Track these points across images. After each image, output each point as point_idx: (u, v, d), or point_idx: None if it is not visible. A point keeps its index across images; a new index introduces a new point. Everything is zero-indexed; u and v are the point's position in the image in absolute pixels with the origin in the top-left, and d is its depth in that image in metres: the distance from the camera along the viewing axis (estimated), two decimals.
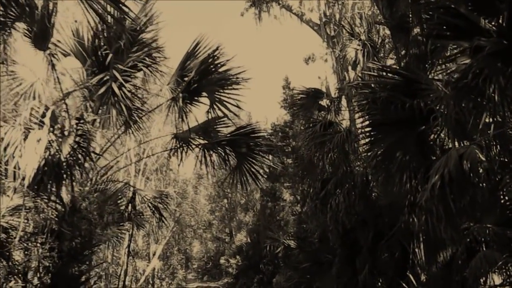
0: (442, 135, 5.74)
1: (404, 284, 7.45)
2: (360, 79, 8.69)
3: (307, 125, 9.47)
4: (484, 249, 5.82)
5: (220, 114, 6.18)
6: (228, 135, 6.49)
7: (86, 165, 6.14)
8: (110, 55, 4.97)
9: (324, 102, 10.12)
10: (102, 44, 5.31)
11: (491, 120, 5.78)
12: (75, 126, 4.77)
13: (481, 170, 4.61)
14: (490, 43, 3.59)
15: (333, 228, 9.06)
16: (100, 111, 5.73)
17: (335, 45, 13.34)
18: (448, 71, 4.32)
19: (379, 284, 8.61)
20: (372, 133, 5.74)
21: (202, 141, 6.77)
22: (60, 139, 4.59)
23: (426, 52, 6.26)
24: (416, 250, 7.53)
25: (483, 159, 4.51)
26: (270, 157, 19.07)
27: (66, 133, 4.76)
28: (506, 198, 5.88)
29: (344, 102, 11.00)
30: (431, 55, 5.74)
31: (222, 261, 25.29)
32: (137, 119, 6.97)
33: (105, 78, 4.97)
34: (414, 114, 5.23)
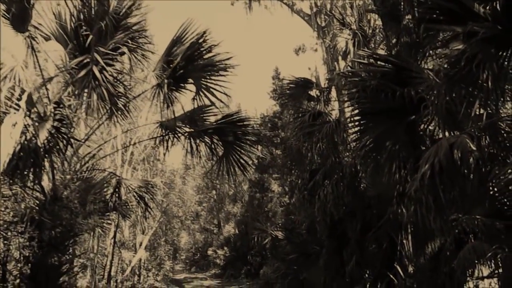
0: (432, 125, 5.64)
1: (391, 276, 7.40)
2: (350, 68, 8.57)
3: (296, 115, 9.34)
4: (473, 240, 5.77)
5: (206, 101, 6.01)
6: (215, 123, 6.33)
7: (68, 153, 5.97)
8: (91, 36, 4.76)
9: (314, 92, 9.99)
10: (84, 26, 5.10)
11: (481, 110, 5.75)
12: (52, 110, 4.58)
13: (471, 160, 4.51)
14: (484, 28, 3.47)
15: (321, 219, 8.98)
16: (84, 97, 5.52)
17: (326, 35, 13.19)
18: (441, 56, 4.18)
19: (366, 275, 8.56)
20: (361, 122, 5.62)
21: (188, 130, 6.61)
22: (37, 124, 4.40)
23: (417, 41, 6.16)
24: (404, 241, 7.48)
25: (474, 148, 4.42)
26: (259, 147, 18.97)
27: (44, 118, 4.56)
28: (495, 189, 5.82)
29: (334, 93, 10.91)
30: (423, 42, 5.61)
31: (210, 252, 25.22)
32: (122, 106, 6.79)
33: (85, 61, 4.77)
34: (404, 102, 5.12)
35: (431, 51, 6.27)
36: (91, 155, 6.59)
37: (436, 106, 4.95)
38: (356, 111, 5.56)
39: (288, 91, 9.91)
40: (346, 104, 9.94)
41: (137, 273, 16.07)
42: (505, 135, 5.78)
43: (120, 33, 5.24)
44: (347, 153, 8.77)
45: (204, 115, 6.75)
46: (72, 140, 5.71)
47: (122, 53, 5.30)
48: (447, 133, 5.40)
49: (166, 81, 5.71)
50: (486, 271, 5.96)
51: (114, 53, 4.95)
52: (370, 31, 8.66)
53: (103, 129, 12.78)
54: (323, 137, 8.23)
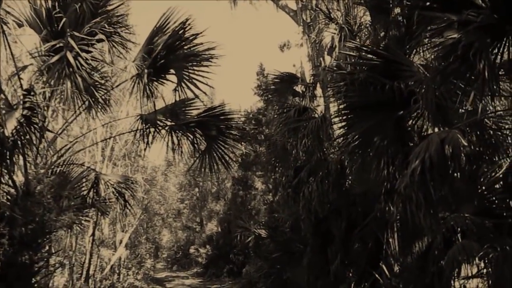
0: (420, 121, 5.48)
1: (376, 275, 7.26)
2: (336, 63, 8.40)
3: (281, 111, 9.15)
4: (460, 239, 5.65)
5: (189, 93, 5.75)
6: (197, 117, 6.08)
7: (43, 146, 5.67)
8: (64, 19, 4.47)
9: (299, 88, 9.82)
10: (58, 11, 4.79)
11: (469, 107, 5.62)
12: (22, 98, 4.28)
13: (462, 156, 4.36)
14: (480, 16, 3.30)
15: (305, 217, 8.81)
16: (58, 85, 5.21)
17: (311, 31, 13.00)
18: (434, 47, 4.00)
19: (351, 274, 8.41)
20: (349, 117, 5.45)
21: (169, 123, 6.35)
22: (4, 112, 4.10)
23: (406, 34, 6.01)
24: (390, 240, 7.35)
25: (466, 144, 4.27)
26: (243, 144, 18.74)
27: (13, 106, 4.27)
28: (483, 187, 5.70)
29: (319, 90, 10.73)
30: (416, 29, 5.46)
31: (192, 250, 24.90)
32: (100, 98, 6.51)
33: (58, 45, 4.48)
34: (394, 96, 4.96)
35: (421, 44, 6.18)
36: (66, 148, 6.30)
37: (426, 100, 4.80)
38: (344, 105, 5.37)
39: (273, 86, 9.72)
40: (331, 100, 9.79)
41: (117, 271, 15.70)
42: (491, 132, 5.69)
43: (98, 18, 4.94)
44: (333, 150, 8.61)
45: (187, 108, 6.49)
46: (46, 132, 5.41)
47: (100, 40, 5.02)
48: (436, 129, 5.27)
49: (146, 71, 5.44)
50: (472, 270, 5.86)
51: (90, 38, 4.65)
52: (357, 25, 8.49)
53: (83, 123, 12.46)
54: (309, 133, 8.06)
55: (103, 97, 7.36)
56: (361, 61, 5.61)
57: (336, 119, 5.77)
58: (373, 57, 5.40)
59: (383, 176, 5.36)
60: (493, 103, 6.03)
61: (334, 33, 9.12)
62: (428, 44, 5.82)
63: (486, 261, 4.99)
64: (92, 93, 5.94)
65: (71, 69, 4.42)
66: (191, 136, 6.09)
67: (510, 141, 6.02)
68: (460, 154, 4.22)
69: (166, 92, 6.24)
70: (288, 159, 9.46)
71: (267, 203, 16.13)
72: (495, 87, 3.73)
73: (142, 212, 16.30)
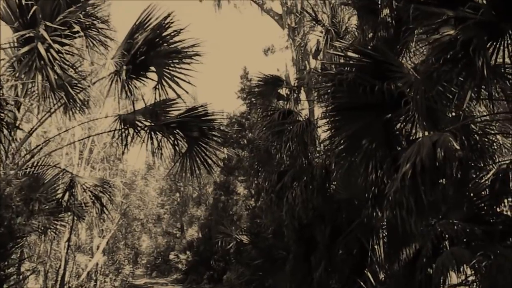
0: (409, 124, 5.32)
1: (361, 283, 7.07)
2: (323, 65, 8.24)
3: (265, 114, 8.92)
4: (448, 246, 5.50)
5: (170, 92, 5.48)
6: (178, 117, 5.82)
7: (13, 145, 5.34)
8: (35, 7, 4.16)
9: (283, 91, 9.62)
10: (31, 3, 4.48)
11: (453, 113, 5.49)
12: None
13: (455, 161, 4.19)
14: (478, 12, 3.14)
15: (289, 223, 8.59)
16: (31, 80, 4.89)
17: (296, 35, 12.87)
18: (430, 41, 3.83)
19: (335, 282, 8.20)
20: (336, 119, 5.25)
21: (149, 124, 6.07)
22: None
23: (395, 36, 5.87)
24: (376, 247, 7.19)
25: (458, 147, 4.11)
26: (225, 149, 18.46)
27: None
28: (471, 194, 5.57)
29: (304, 94, 10.57)
30: (403, 35, 5.32)
31: (171, 256, 24.43)
32: (76, 96, 6.21)
33: (28, 35, 4.17)
34: (383, 98, 4.79)
35: (410, 46, 6.05)
36: (39, 149, 5.97)
37: (416, 103, 4.64)
38: (331, 106, 5.17)
39: (256, 89, 9.49)
40: (317, 103, 9.63)
41: (94, 278, 15.23)
42: (477, 137, 5.57)
43: (73, 8, 4.64)
44: (318, 154, 8.42)
45: (168, 108, 6.22)
46: (16, 130, 5.09)
47: (75, 33, 4.72)
48: (426, 133, 5.12)
49: (124, 67, 5.16)
50: (458, 278, 5.71)
51: (63, 28, 4.35)
52: (343, 29, 8.34)
53: (61, 125, 12.07)
54: (293, 136, 7.85)
55: (80, 96, 7.09)
56: (349, 61, 5.43)
57: (322, 122, 5.59)
58: (362, 57, 5.23)
59: (371, 181, 5.17)
60: (478, 108, 5.94)
61: (320, 36, 8.97)
62: (419, 44, 5.73)
63: (475, 269, 4.83)
64: (67, 91, 5.62)
65: (42, 62, 4.12)
66: (172, 138, 5.82)
67: (496, 147, 5.93)
68: (453, 158, 4.05)
69: (147, 92, 5.94)
70: (271, 163, 9.25)
71: (249, 208, 15.87)
72: (493, 87, 3.56)
73: (120, 217, 15.87)
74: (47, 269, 12.51)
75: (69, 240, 10.92)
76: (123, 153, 6.06)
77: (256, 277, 10.55)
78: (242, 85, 18.09)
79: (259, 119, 9.38)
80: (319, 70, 7.54)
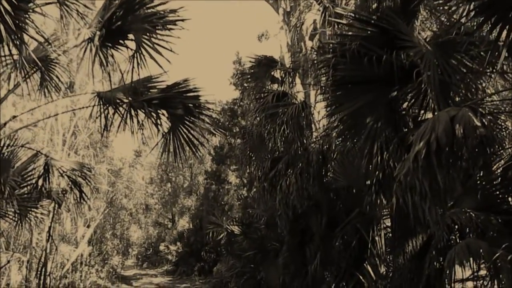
0: (418, 102, 4.77)
1: (360, 277, 6.55)
2: (320, 44, 7.66)
3: (258, 96, 8.34)
4: (458, 237, 4.98)
5: (150, 64, 4.85)
6: (160, 93, 5.21)
7: None
8: None
9: (278, 74, 9.03)
10: None
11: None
12: None
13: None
14: None
15: (282, 213, 8.02)
16: None
17: (291, 17, 12.24)
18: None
19: (331, 276, 7.68)
20: (337, 94, 4.66)
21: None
22: None
23: (402, 6, 5.29)
24: (376, 238, 6.67)
25: (479, 124, 3.55)
26: (217, 137, 17.86)
27: None
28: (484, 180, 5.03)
29: (298, 80, 9.99)
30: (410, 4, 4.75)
31: (162, 247, 23.89)
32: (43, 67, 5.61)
33: None
34: (392, 69, 4.22)
35: (418, 17, 5.47)
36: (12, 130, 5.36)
37: (428, 76, 4.09)
38: (332, 80, 4.58)
39: (250, 70, 8.89)
40: (313, 87, 9.06)
41: (80, 269, 14.65)
42: (490, 117, 5.03)
43: None
44: (314, 139, 7.86)
45: (150, 85, 5.61)
46: None
47: None
48: (430, 115, 4.60)
49: (98, 33, 4.55)
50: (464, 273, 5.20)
51: None
52: (343, 3, 7.74)
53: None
54: (288, 119, 7.29)
55: (55, 71, 6.50)
56: (352, 31, 4.86)
57: (320, 103, 5.01)
58: (366, 26, 4.65)
59: (375, 164, 4.62)
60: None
61: (317, 15, 8.39)
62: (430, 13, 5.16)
63: (492, 263, 4.31)
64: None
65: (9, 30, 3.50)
66: (154, 115, 5.22)
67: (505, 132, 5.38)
68: (473, 136, 3.50)
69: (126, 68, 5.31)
70: (264, 149, 8.67)
71: (241, 198, 15.31)
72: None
73: (106, 206, 15.24)
74: (30, 259, 11.91)
75: (50, 229, 10.29)
76: (102, 134, 5.44)
77: (247, 269, 10.05)
78: (235, 70, 17.43)
79: (252, 100, 8.77)
80: (319, 46, 6.94)
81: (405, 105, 5.02)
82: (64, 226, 14.01)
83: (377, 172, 4.66)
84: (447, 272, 4.37)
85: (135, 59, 4.63)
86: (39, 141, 12.74)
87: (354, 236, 6.92)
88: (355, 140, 4.77)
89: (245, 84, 11.37)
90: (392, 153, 4.46)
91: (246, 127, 9.44)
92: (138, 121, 5.20)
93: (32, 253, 13.13)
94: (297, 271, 8.18)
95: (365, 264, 6.52)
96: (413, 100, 4.79)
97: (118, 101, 5.59)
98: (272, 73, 8.94)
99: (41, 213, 8.24)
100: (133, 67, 4.63)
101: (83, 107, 5.69)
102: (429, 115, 4.90)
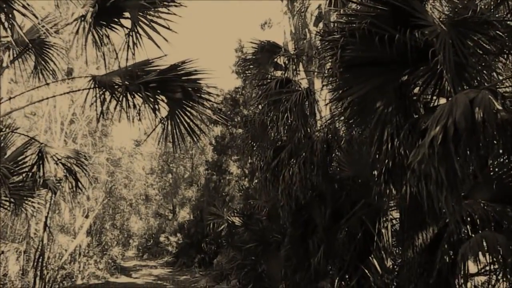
0: (432, 84, 4.49)
1: (365, 270, 6.30)
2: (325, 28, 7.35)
3: (261, 82, 8.06)
4: (470, 230, 4.72)
5: (147, 44, 4.58)
6: (158, 76, 4.93)
7: None
8: None
9: (281, 60, 8.73)
10: None
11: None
12: None
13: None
14: None
15: (285, 204, 7.74)
16: None
17: (295, 2, 11.91)
18: None
19: (335, 269, 7.43)
20: (345, 76, 4.37)
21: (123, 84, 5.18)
22: None
23: None
24: (383, 230, 6.41)
25: (500, 108, 3.27)
26: (218, 128, 17.56)
27: None
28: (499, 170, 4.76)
29: (302, 70, 9.69)
30: None
31: (162, 238, 23.70)
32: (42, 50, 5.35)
33: None
34: (405, 50, 3.93)
35: None
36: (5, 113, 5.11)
37: (444, 57, 3.81)
38: (340, 62, 4.28)
39: (252, 56, 8.58)
40: (317, 75, 8.78)
41: (78, 260, 14.46)
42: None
43: None
44: (319, 127, 7.58)
45: (148, 68, 5.33)
46: None
47: None
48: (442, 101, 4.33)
49: (91, 9, 4.27)
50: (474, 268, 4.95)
51: None
52: None
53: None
54: (292, 106, 7.00)
55: (49, 55, 6.25)
56: (360, 11, 4.56)
57: (331, 78, 4.70)
58: (377, 4, 4.35)
59: (384, 152, 4.35)
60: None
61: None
62: None
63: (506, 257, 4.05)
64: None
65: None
66: (151, 99, 4.95)
67: None
68: (494, 120, 3.22)
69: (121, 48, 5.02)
70: (267, 138, 8.39)
71: (243, 189, 15.06)
72: None
73: (105, 196, 15.00)
74: (28, 250, 11.72)
75: (46, 218, 10.07)
76: (98, 120, 5.18)
77: (248, 261, 9.79)
78: (237, 58, 17.08)
79: (254, 89, 8.49)
80: (326, 28, 6.64)
81: (416, 90, 4.76)
82: (63, 216, 13.79)
83: (386, 161, 4.39)
84: (460, 266, 4.14)
85: (131, 38, 4.34)
86: (38, 130, 12.49)
87: (359, 228, 6.66)
88: (363, 127, 4.48)
89: (247, 72, 11.08)
90: (403, 140, 4.19)
91: (248, 116, 9.15)
92: (135, 106, 4.92)
93: (30, 243, 12.97)
94: (300, 264, 7.94)
95: (370, 258, 6.26)
96: (425, 84, 4.51)
97: (114, 85, 5.32)
98: (276, 59, 8.64)
99: (38, 203, 8.04)
100: (128, 46, 4.34)
101: (77, 90, 5.41)
102: (442, 101, 4.63)
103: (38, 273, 10.48)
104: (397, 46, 3.93)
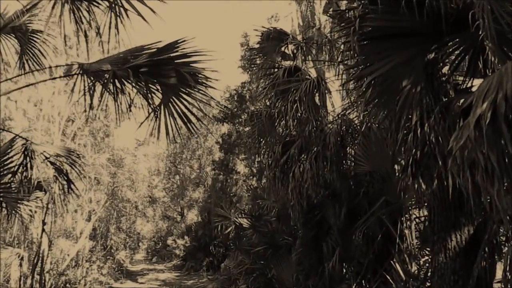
0: (465, 59, 3.84)
1: (387, 276, 5.65)
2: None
3: (268, 71, 7.46)
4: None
5: (133, 18, 3.99)
6: (149, 59, 4.31)
7: None
8: None
9: (289, 49, 8.12)
10: None
11: None
12: None
13: None
14: None
15: (295, 203, 7.15)
16: None
17: None
18: None
19: (350, 274, 6.80)
20: (365, 51, 3.72)
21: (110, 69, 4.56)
22: None
23: None
24: (406, 231, 5.77)
25: None
26: (225, 127, 16.92)
27: None
28: None
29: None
30: None
31: (169, 241, 23.15)
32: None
33: None
34: (438, 17, 3.28)
35: None
36: None
37: (483, 25, 3.16)
38: (359, 34, 3.63)
39: (258, 44, 7.99)
40: (327, 64, 8.16)
41: (81, 264, 13.92)
42: None
43: None
44: (331, 119, 6.96)
45: (140, 53, 4.72)
46: None
47: None
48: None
49: None
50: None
51: None
52: None
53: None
54: (302, 96, 6.38)
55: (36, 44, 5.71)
56: None
57: (348, 52, 4.05)
58: None
59: (410, 140, 3.70)
60: None
61: None
62: None
63: None
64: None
65: None
66: (142, 85, 4.34)
67: None
68: None
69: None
70: (275, 132, 7.79)
71: (251, 188, 14.45)
72: None
73: (107, 198, 14.44)
74: (24, 255, 11.19)
75: (43, 222, 9.54)
76: (85, 110, 4.57)
77: (257, 266, 9.23)
78: (243, 52, 16.47)
79: (261, 79, 7.88)
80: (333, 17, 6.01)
81: (445, 70, 4.12)
82: (65, 220, 13.27)
83: (414, 150, 3.74)
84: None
85: (113, 12, 3.74)
86: (36, 131, 11.99)
87: (378, 229, 6.05)
88: (386, 111, 3.84)
89: (253, 65, 10.46)
90: (435, 125, 3.54)
91: (255, 114, 8.54)
92: (124, 92, 4.31)
93: (33, 248, 12.50)
94: (312, 269, 7.38)
95: (392, 261, 5.60)
96: (458, 60, 3.86)
97: (100, 72, 4.71)
98: (283, 48, 8.03)
99: (36, 206, 7.53)
100: (110, 22, 3.74)
101: (59, 77, 4.82)
102: (477, 82, 4.00)
103: (38, 278, 9.95)
104: (428, 12, 3.29)
